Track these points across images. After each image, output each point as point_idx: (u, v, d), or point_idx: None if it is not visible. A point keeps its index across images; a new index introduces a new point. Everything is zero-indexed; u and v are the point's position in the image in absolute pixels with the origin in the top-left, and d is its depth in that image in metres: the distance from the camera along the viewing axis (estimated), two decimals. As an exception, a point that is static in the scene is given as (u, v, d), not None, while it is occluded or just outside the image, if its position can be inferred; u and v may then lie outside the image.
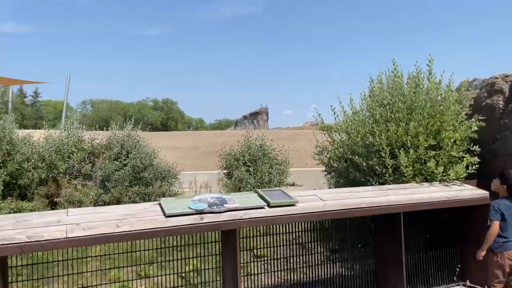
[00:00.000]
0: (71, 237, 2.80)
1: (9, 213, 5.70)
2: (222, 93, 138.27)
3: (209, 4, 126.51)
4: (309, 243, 4.18)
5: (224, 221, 3.26)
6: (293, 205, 3.58)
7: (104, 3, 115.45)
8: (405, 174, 4.55)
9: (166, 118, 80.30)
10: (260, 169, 6.43)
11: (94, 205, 6.44)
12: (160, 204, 3.33)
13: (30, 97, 73.25)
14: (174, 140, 26.50)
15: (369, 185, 4.81)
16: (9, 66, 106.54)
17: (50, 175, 6.61)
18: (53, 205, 6.46)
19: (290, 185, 8.67)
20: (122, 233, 2.94)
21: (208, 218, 3.21)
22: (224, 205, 3.36)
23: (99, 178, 6.62)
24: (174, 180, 7.14)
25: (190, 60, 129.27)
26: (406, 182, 4.56)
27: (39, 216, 3.06)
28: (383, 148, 4.62)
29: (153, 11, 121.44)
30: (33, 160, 6.57)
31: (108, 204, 6.35)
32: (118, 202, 6.40)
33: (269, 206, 3.50)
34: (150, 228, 3.03)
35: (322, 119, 6.34)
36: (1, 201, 5.65)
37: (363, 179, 5.14)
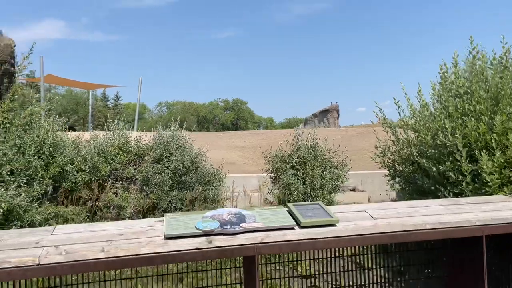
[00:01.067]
0: (44, 264, 2.28)
1: (46, 218, 5.52)
2: (293, 92, 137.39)
3: (281, 4, 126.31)
4: (356, 271, 3.33)
5: (239, 245, 2.56)
6: (332, 225, 2.78)
7: (175, 11, 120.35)
8: (489, 183, 3.49)
9: (237, 118, 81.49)
10: (310, 173, 5.63)
11: (135, 212, 6.09)
12: (164, 221, 2.73)
13: (111, 100, 78.61)
14: (240, 140, 26.33)
15: (440, 197, 3.82)
16: (93, 72, 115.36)
17: (93, 178, 6.39)
18: (95, 210, 6.22)
19: (350, 190, 7.74)
20: (107, 260, 2.37)
21: (218, 241, 2.53)
22: (241, 225, 2.66)
23: (139, 182, 6.26)
24: (219, 184, 6.58)
25: (261, 60, 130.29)
26: (490, 194, 3.50)
27: (19, 235, 2.60)
28: (458, 150, 3.60)
29: (224, 15, 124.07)
30: (76, 162, 6.39)
31: (147, 210, 5.95)
32: (156, 208, 5.98)
33: (299, 226, 2.74)
34: (143, 254, 2.43)
35: (383, 114, 5.38)
36: (38, 206, 5.49)
37: (433, 188, 4.13)
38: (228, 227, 2.62)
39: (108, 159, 6.72)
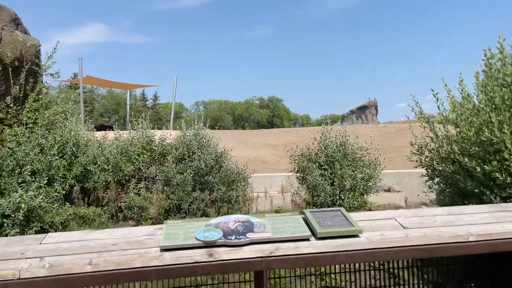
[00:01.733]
0: (25, 279, 2.06)
1: (66, 219, 5.42)
2: (329, 89, 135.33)
3: (317, 1, 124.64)
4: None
5: (244, 259, 2.23)
6: (354, 235, 2.39)
7: (211, 10, 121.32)
8: (545, 187, 2.98)
9: (272, 116, 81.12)
10: (339, 173, 5.20)
11: (157, 213, 5.90)
12: (163, 230, 2.45)
13: (150, 100, 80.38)
14: (273, 138, 25.98)
15: (485, 201, 3.33)
16: (132, 73, 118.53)
17: (116, 178, 6.26)
18: (116, 211, 6.09)
19: (385, 191, 7.20)
20: (94, 274, 2.11)
21: (220, 254, 2.22)
22: (248, 235, 2.33)
23: (161, 182, 6.07)
24: (243, 184, 6.28)
25: (296, 56, 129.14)
26: (547, 199, 2.99)
27: (6, 244, 2.39)
28: (506, 147, 3.10)
29: (258, 13, 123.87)
30: (99, 162, 6.28)
31: (168, 211, 5.74)
32: (179, 208, 5.76)
33: (316, 237, 2.37)
34: (135, 268, 2.15)
35: (420, 108, 4.87)
36: (59, 207, 5.40)
37: (477, 190, 3.63)
38: (233, 237, 2.30)
39: (132, 159, 6.59)
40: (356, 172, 5.33)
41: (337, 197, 5.25)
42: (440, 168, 4.77)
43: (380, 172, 5.49)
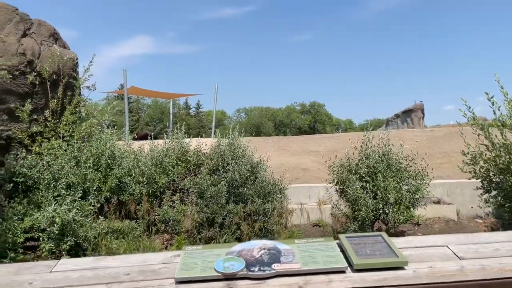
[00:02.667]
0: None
1: (100, 234, 5.36)
2: (373, 92, 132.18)
3: (358, 2, 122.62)
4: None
5: (269, 294, 1.96)
6: (399, 268, 2.05)
7: (252, 18, 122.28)
8: None
9: (314, 121, 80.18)
10: (382, 185, 4.78)
11: (191, 226, 5.73)
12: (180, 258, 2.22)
13: (193, 109, 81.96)
14: (314, 144, 25.44)
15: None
16: (176, 83, 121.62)
17: (150, 191, 6.17)
18: (149, 224, 5.98)
19: (435, 203, 6.64)
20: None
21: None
22: (273, 265, 2.05)
23: (194, 194, 5.91)
24: (279, 196, 5.99)
25: (338, 60, 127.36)
26: None
27: (16, 272, 2.24)
28: None
29: (299, 19, 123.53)
30: (134, 174, 6.22)
31: (201, 224, 5.56)
32: (212, 223, 5.56)
33: (353, 268, 2.05)
34: (146, 304, 1.93)
35: (473, 113, 4.39)
36: (92, 221, 5.35)
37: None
38: (256, 268, 2.03)
39: (166, 170, 6.49)
40: (401, 184, 4.89)
41: (380, 211, 4.83)
42: (498, 180, 4.26)
43: (428, 184, 5.01)
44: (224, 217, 5.53)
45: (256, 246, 2.22)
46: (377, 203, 4.72)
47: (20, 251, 5.02)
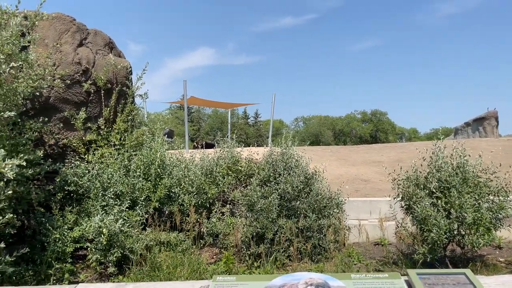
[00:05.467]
0: None
1: (147, 246, 5.17)
2: (440, 99, 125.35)
3: (425, 6, 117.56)
4: None
5: None
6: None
7: (311, 27, 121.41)
8: None
9: (376, 130, 77.43)
10: (457, 202, 4.11)
11: (241, 240, 5.38)
12: (211, 289, 1.85)
13: (252, 118, 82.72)
14: (376, 154, 24.27)
15: None
16: (236, 92, 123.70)
17: (199, 201, 5.92)
18: (196, 237, 5.71)
19: (519, 223, 5.71)
20: None
21: (280, 337, 1.54)
22: (322, 309, 1.61)
23: (243, 207, 5.56)
24: (336, 211, 5.46)
25: (401, 67, 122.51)
26: None
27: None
28: None
29: (361, 27, 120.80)
30: (183, 184, 6.01)
31: (251, 240, 5.18)
32: (262, 238, 5.16)
33: (427, 318, 1.55)
34: None
35: None
36: (138, 232, 5.18)
37: None
38: (300, 312, 1.60)
39: (216, 180, 6.22)
40: (480, 201, 4.18)
41: (455, 233, 4.15)
42: None
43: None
44: (275, 233, 5.12)
45: (301, 281, 1.80)
46: (451, 223, 4.06)
47: (69, 261, 4.95)
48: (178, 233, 5.47)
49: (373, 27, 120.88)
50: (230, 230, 5.49)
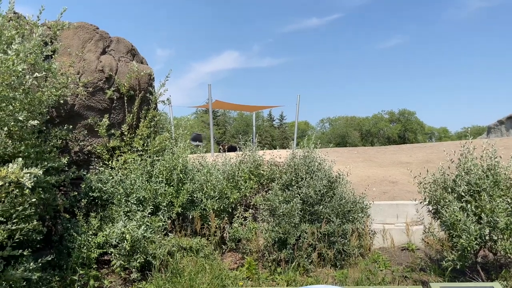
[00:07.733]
0: None
1: (170, 250, 5.18)
2: (472, 97, 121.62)
3: (455, 1, 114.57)
4: None
5: None
6: None
7: (336, 27, 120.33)
8: None
9: (404, 130, 75.72)
10: (488, 206, 3.90)
11: (263, 246, 5.33)
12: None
13: (277, 120, 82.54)
14: (405, 155, 23.71)
15: None
16: (261, 95, 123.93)
17: (222, 206, 5.89)
18: (218, 242, 5.69)
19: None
20: None
21: None
22: (337, 324, 1.51)
23: (265, 211, 5.49)
24: (361, 215, 5.32)
25: (430, 65, 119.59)
26: None
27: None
28: None
29: (387, 24, 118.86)
30: (205, 189, 6.00)
31: (272, 245, 5.11)
32: (285, 243, 5.08)
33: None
34: None
35: None
36: (161, 238, 5.20)
37: None
38: (314, 328, 1.52)
39: (238, 185, 6.18)
40: (513, 205, 3.96)
41: (487, 238, 3.95)
42: None
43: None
44: (298, 238, 5.03)
45: (317, 294, 1.71)
46: (482, 228, 3.86)
47: (94, 267, 5.02)
48: (200, 238, 5.46)
49: (399, 24, 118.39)
50: (253, 235, 5.44)
